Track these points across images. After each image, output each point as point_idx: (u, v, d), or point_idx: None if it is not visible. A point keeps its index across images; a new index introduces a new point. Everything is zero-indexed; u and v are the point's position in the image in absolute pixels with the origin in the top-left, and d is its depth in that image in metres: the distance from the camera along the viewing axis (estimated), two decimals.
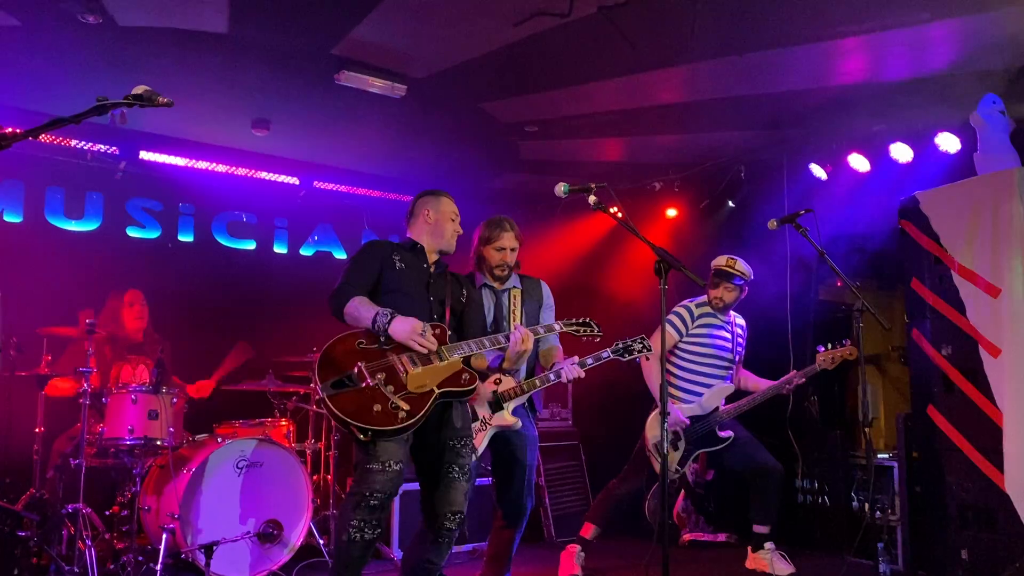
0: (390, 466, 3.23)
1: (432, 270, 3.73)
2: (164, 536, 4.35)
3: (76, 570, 4.35)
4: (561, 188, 3.62)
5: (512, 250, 4.15)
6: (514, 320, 4.15)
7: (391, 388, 3.28)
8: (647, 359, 4.56)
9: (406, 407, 3.25)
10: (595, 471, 6.49)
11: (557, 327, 3.74)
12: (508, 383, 4.04)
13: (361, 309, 3.40)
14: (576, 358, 3.94)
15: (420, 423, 3.30)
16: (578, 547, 4.90)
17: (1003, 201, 4.48)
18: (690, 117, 5.68)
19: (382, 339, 3.36)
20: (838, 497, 5.58)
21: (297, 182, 6.83)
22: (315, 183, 6.90)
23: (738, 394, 5.08)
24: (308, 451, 5.42)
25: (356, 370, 3.27)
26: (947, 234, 4.77)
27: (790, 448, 5.83)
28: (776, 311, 5.99)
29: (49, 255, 5.80)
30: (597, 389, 6.58)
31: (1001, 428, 4.35)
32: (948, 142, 5.21)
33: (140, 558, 4.46)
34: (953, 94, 4.96)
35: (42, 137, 5.55)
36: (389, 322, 3.33)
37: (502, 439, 4.05)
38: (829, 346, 4.83)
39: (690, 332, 4.93)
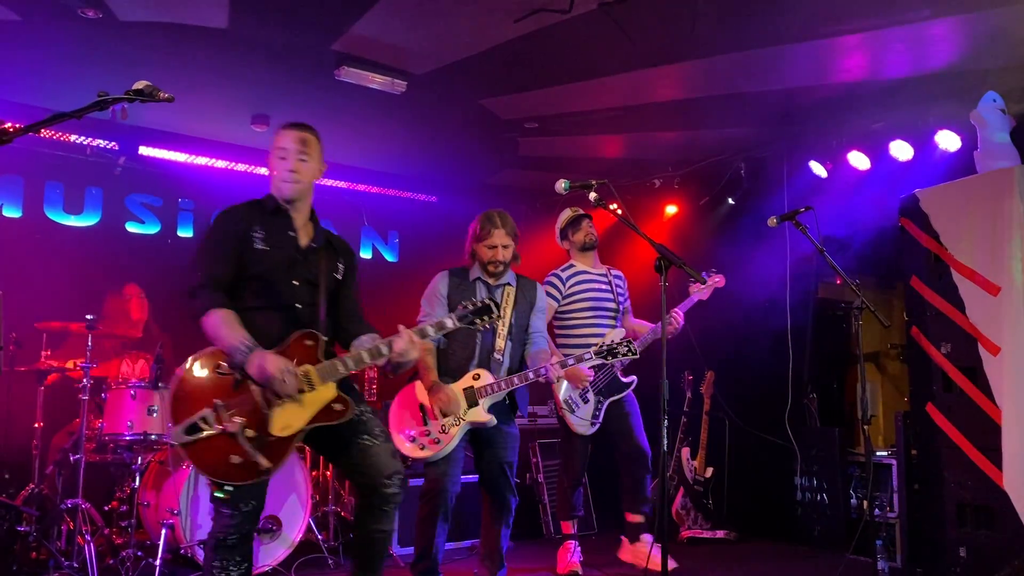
0: (243, 507, 2.88)
1: (303, 242, 3.12)
2: (163, 531, 4.35)
3: (75, 565, 4.35)
4: (562, 185, 3.62)
5: (504, 247, 4.11)
6: (504, 320, 4.11)
7: (250, 433, 2.81)
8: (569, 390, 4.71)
9: (266, 464, 2.81)
10: (593, 468, 6.49)
11: (448, 323, 3.19)
12: (485, 379, 4.01)
13: (220, 331, 2.85)
14: (556, 358, 3.95)
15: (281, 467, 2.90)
16: (572, 542, 4.94)
17: (1003, 199, 4.47)
18: (690, 114, 5.67)
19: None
20: (837, 495, 5.59)
21: None
22: None
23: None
24: (307, 447, 5.41)
25: (210, 411, 2.80)
26: (947, 232, 4.77)
27: (788, 445, 5.85)
28: (775, 308, 5.99)
29: (48, 250, 5.80)
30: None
31: (1000, 426, 4.36)
32: (948, 140, 5.21)
33: (139, 553, 4.46)
34: (953, 92, 4.96)
35: (42, 132, 5.54)
36: (245, 359, 2.80)
37: (483, 437, 4.06)
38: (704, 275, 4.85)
39: (565, 294, 4.94)
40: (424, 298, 4.22)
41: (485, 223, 4.12)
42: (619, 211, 3.81)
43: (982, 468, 4.45)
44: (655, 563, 4.60)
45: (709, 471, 5.96)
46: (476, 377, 4.02)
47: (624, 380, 4.91)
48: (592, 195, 3.58)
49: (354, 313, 3.24)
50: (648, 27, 4.34)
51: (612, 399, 4.86)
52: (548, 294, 4.96)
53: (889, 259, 5.52)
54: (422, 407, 4.03)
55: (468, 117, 5.77)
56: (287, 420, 2.87)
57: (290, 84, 5.19)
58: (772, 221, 4.34)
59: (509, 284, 4.22)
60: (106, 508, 4.82)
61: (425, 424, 3.98)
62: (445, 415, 3.93)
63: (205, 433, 2.78)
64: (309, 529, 4.88)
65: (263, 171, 6.67)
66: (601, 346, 4.04)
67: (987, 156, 4.76)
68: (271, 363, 2.80)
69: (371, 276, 7.24)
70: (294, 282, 3.03)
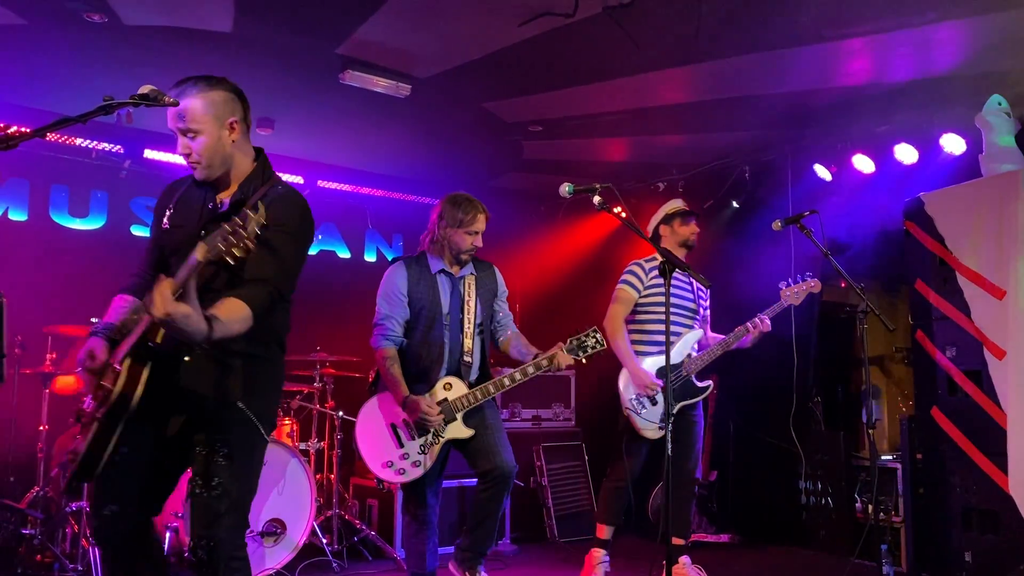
0: (102, 511, 2.53)
1: (217, 207, 2.67)
2: (167, 535, 4.36)
3: (80, 568, 4.36)
4: (565, 188, 3.61)
5: (480, 234, 3.83)
6: (469, 316, 3.82)
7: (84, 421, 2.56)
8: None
9: (70, 457, 2.55)
10: (598, 471, 6.48)
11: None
12: (459, 389, 3.73)
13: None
14: (560, 345, 3.71)
15: (99, 462, 2.45)
16: (602, 551, 4.68)
17: (1008, 202, 4.47)
18: (694, 117, 5.67)
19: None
20: (841, 498, 5.58)
21: (301, 181, 6.83)
22: (319, 182, 6.90)
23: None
24: (311, 450, 5.42)
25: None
26: (952, 236, 4.76)
27: (793, 449, 5.83)
28: (780, 312, 5.98)
29: (54, 253, 5.81)
30: (600, 388, 6.58)
31: (1005, 430, 4.34)
32: (953, 143, 5.20)
33: None
34: (958, 95, 4.95)
35: (47, 136, 5.54)
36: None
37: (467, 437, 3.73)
38: (790, 282, 4.75)
39: (647, 286, 4.68)
40: (381, 296, 3.83)
41: (467, 208, 3.76)
42: (623, 215, 3.81)
43: (987, 472, 4.43)
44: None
45: (713, 475, 5.95)
46: (447, 387, 3.73)
47: (699, 384, 4.66)
48: (596, 199, 3.58)
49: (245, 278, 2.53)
50: (652, 31, 4.34)
51: (684, 403, 4.59)
52: (628, 283, 4.68)
53: (894, 263, 5.51)
54: (394, 427, 3.72)
55: (472, 120, 5.78)
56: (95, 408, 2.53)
57: (294, 88, 5.20)
58: (776, 225, 4.34)
59: (470, 274, 3.91)
60: None
61: (402, 446, 3.69)
62: (423, 433, 3.66)
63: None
64: (313, 533, 4.88)
65: None
66: (570, 341, 3.73)
67: (992, 159, 4.76)
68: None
69: (376, 279, 7.22)
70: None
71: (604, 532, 4.69)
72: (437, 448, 3.67)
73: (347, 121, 5.79)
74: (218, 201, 2.66)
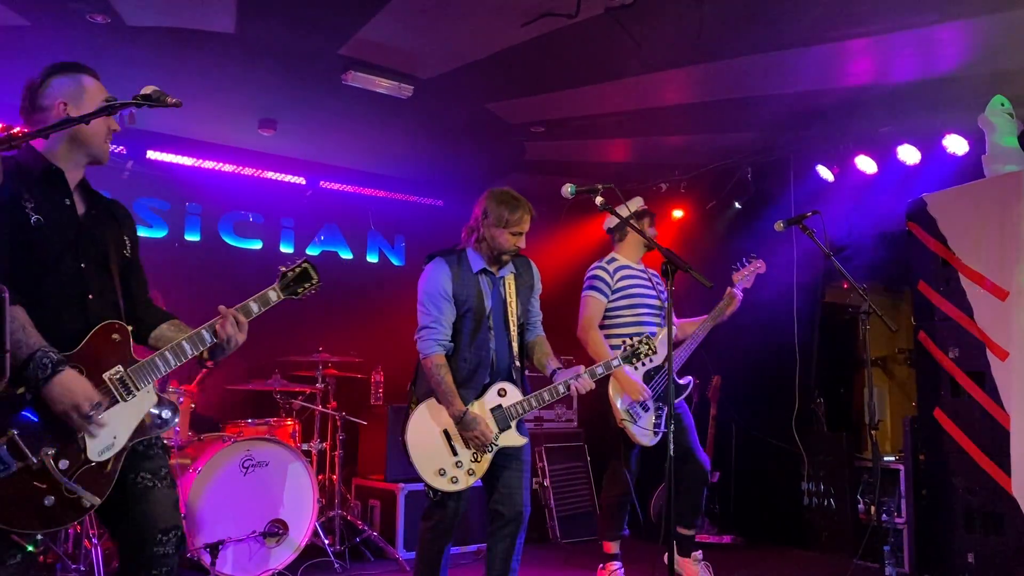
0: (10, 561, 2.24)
1: (81, 210, 2.46)
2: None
3: (82, 568, 4.36)
4: (568, 189, 3.61)
5: (524, 235, 3.61)
6: (511, 312, 3.62)
7: (65, 463, 2.21)
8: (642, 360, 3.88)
9: (94, 500, 2.25)
10: (600, 472, 6.48)
11: (272, 297, 2.67)
12: (513, 395, 3.56)
13: (16, 337, 2.16)
14: (582, 368, 3.59)
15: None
16: (614, 563, 4.65)
17: (1011, 203, 4.46)
18: (697, 118, 5.67)
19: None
20: (844, 500, 5.57)
21: (304, 182, 6.84)
22: (321, 183, 6.91)
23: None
24: (314, 451, 5.42)
25: (6, 443, 2.11)
26: (954, 236, 4.76)
27: (796, 450, 5.83)
28: (782, 313, 5.98)
29: None
30: (602, 389, 6.57)
31: (1008, 431, 4.34)
32: (956, 144, 5.19)
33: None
34: (961, 96, 4.94)
35: (50, 136, 5.55)
36: (46, 381, 2.16)
37: (504, 455, 3.56)
38: (738, 266, 4.82)
39: (615, 289, 4.65)
40: (426, 296, 3.56)
41: (513, 207, 3.52)
42: (626, 215, 3.80)
43: (990, 474, 4.43)
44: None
45: (716, 476, 5.94)
46: (502, 393, 3.55)
47: (681, 382, 4.66)
48: (598, 199, 3.57)
49: (145, 298, 2.65)
50: (655, 31, 4.34)
51: (673, 402, 4.63)
52: (596, 288, 4.64)
53: (896, 263, 5.51)
54: (446, 433, 3.50)
55: (475, 121, 5.78)
56: (107, 439, 2.30)
57: (297, 89, 5.20)
58: (779, 225, 4.34)
59: (508, 273, 3.69)
60: None
61: (455, 454, 3.48)
62: (478, 446, 3.48)
63: (2, 473, 2.11)
64: (315, 533, 4.88)
65: (271, 175, 6.70)
66: (625, 349, 3.62)
67: (995, 160, 4.75)
68: (75, 391, 2.20)
69: (378, 280, 7.25)
70: (81, 264, 2.40)
71: (612, 548, 4.66)
72: (490, 456, 3.50)
73: (349, 122, 5.80)
74: (72, 195, 2.45)
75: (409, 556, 5.21)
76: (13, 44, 4.53)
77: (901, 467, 5.21)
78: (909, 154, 5.43)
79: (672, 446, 3.26)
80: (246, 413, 5.33)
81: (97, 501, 2.25)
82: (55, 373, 2.16)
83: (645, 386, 4.48)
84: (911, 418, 5.10)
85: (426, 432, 3.51)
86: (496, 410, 3.52)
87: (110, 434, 2.30)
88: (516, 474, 3.56)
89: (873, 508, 5.22)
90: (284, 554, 4.66)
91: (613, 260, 4.77)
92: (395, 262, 7.57)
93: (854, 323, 6.07)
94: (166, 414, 2.43)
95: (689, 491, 4.61)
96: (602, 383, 4.47)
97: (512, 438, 3.53)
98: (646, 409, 4.50)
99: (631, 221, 3.80)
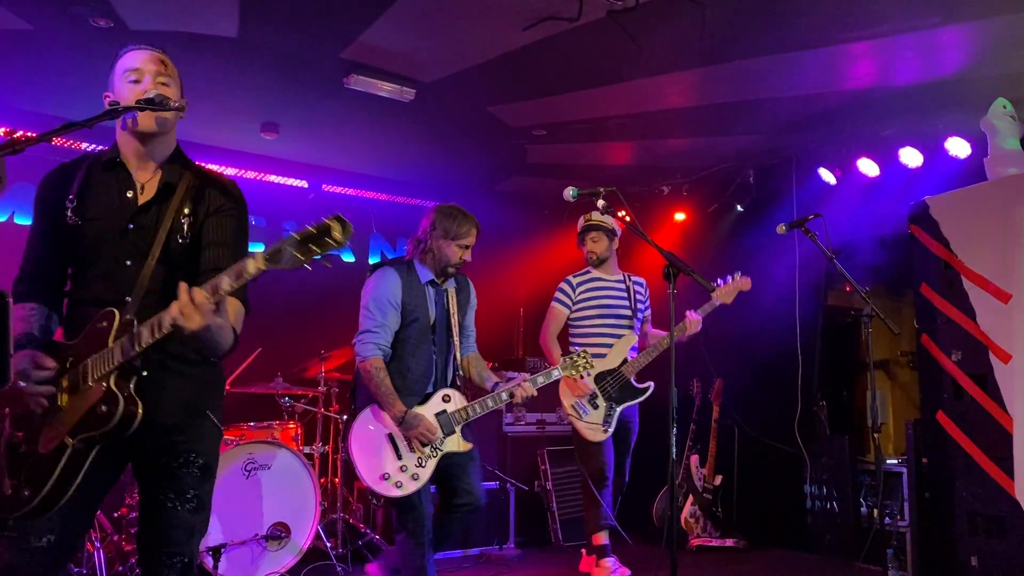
0: (35, 541, 2.17)
1: (139, 199, 2.34)
2: None
3: (84, 572, 4.36)
4: (570, 192, 3.62)
5: (470, 249, 3.78)
6: (455, 323, 3.76)
7: (23, 450, 2.19)
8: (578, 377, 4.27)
9: (26, 492, 2.13)
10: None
11: (250, 268, 2.01)
12: (457, 401, 3.65)
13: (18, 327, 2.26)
14: (526, 375, 3.74)
15: (65, 494, 2.15)
16: (608, 560, 4.73)
17: (1013, 206, 4.46)
18: (699, 121, 5.67)
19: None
20: (847, 503, 5.56)
21: (306, 185, 6.85)
22: (324, 186, 6.92)
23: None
24: (316, 454, 5.42)
25: None
26: (957, 239, 4.76)
27: (798, 453, 5.82)
28: (785, 316, 5.98)
29: None
30: None
31: (1011, 434, 4.33)
32: (958, 147, 5.19)
33: None
34: (963, 98, 4.94)
35: (53, 141, 5.57)
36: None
37: (453, 461, 3.64)
38: (720, 281, 4.91)
39: (576, 300, 4.94)
40: (372, 302, 3.61)
41: (462, 221, 3.69)
42: (628, 218, 3.83)
43: (993, 477, 4.42)
44: None
45: (718, 479, 5.94)
46: (447, 399, 3.65)
47: (638, 386, 4.85)
48: (600, 202, 3.59)
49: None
50: (656, 35, 4.34)
51: (626, 405, 4.81)
52: (558, 300, 4.93)
53: (899, 266, 5.51)
54: (392, 438, 3.57)
55: (477, 124, 5.79)
56: (54, 430, 2.16)
57: (299, 92, 5.21)
58: (781, 228, 4.34)
59: (451, 286, 3.83)
60: (115, 515, 4.83)
61: (400, 458, 3.54)
62: (424, 445, 3.55)
63: None
64: (318, 536, 4.88)
65: (274, 178, 6.71)
66: (564, 362, 3.83)
67: (997, 163, 4.75)
68: (20, 360, 2.14)
69: None
70: (126, 262, 2.30)
71: (600, 538, 4.77)
72: (435, 461, 3.56)
73: (351, 125, 5.80)
74: (138, 186, 2.34)
75: None
76: (17, 48, 4.54)
77: (904, 470, 5.20)
78: (911, 157, 5.43)
79: (674, 448, 3.25)
80: (248, 416, 5.33)
81: (25, 495, 2.11)
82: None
83: (588, 384, 4.69)
84: (914, 421, 5.10)
85: (370, 438, 3.57)
86: (441, 415, 3.61)
87: (56, 425, 2.16)
88: (476, 475, 3.71)
89: (876, 511, 5.22)
90: (286, 557, 4.65)
91: (583, 273, 5.02)
92: None
93: (856, 326, 6.09)
94: (103, 409, 2.11)
95: (612, 493, 4.84)
96: None
97: (457, 443, 3.60)
98: (595, 407, 4.72)
99: (636, 225, 3.79)
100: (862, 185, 5.78)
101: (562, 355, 4.22)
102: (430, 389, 3.68)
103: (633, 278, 5.10)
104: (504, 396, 3.64)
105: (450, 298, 3.77)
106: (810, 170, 5.97)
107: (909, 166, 5.46)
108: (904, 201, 5.21)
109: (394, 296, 3.60)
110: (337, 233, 1.99)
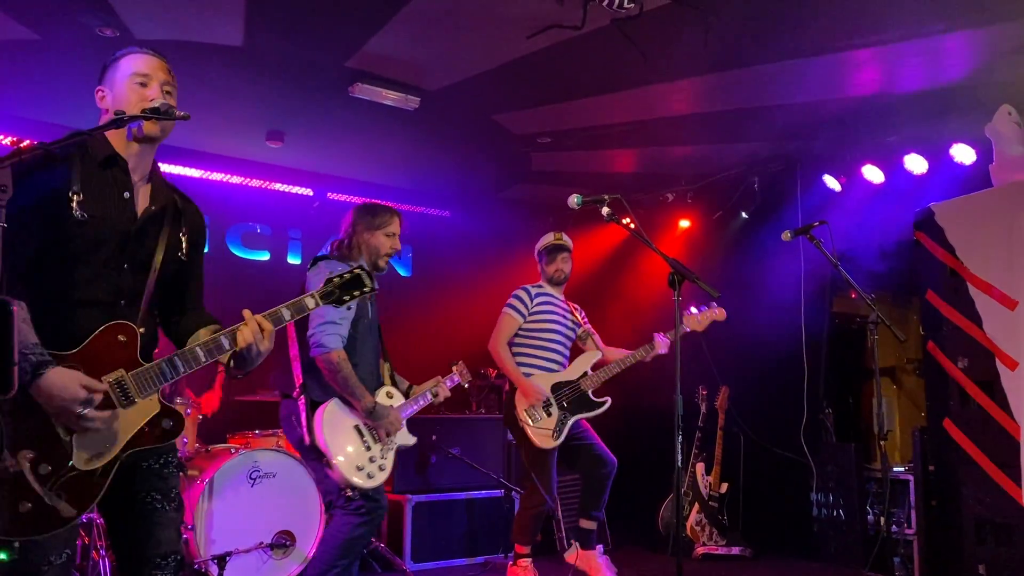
0: (55, 559, 2.15)
1: (142, 206, 2.31)
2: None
3: None
4: (574, 199, 3.62)
5: (398, 236, 3.79)
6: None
7: (46, 469, 2.08)
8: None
9: (71, 512, 2.10)
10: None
11: (310, 303, 2.49)
12: (398, 398, 3.79)
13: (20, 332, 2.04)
14: (439, 377, 4.00)
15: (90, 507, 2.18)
16: (526, 560, 4.80)
17: (1019, 212, 4.45)
18: (703, 129, 5.67)
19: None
20: (853, 511, 5.53)
21: (311, 193, 6.87)
22: (329, 194, 6.93)
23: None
24: None
25: None
26: (963, 246, 4.75)
27: (804, 461, 5.80)
28: (790, 323, 5.97)
29: None
30: (613, 400, 6.56)
31: (1018, 442, 4.31)
32: (963, 153, 5.19)
33: None
34: (968, 105, 4.94)
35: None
36: (31, 380, 1.99)
37: None
38: (694, 310, 4.87)
39: (532, 312, 4.87)
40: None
41: (382, 210, 3.77)
42: (632, 226, 3.81)
43: (1000, 484, 4.40)
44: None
45: (724, 487, 5.92)
46: (390, 395, 3.76)
47: (596, 400, 4.81)
48: (605, 210, 3.58)
49: (195, 305, 2.50)
50: (660, 42, 4.35)
51: (580, 416, 4.76)
52: (513, 308, 4.86)
53: (904, 273, 5.50)
54: (358, 429, 3.59)
55: (481, 132, 5.80)
56: (97, 446, 2.13)
57: (304, 101, 5.23)
58: (786, 235, 4.33)
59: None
60: None
61: (369, 449, 3.58)
62: (389, 434, 3.64)
63: None
64: None
65: (279, 186, 6.72)
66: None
67: (1002, 169, 4.74)
68: (65, 385, 2.03)
69: (385, 291, 7.22)
70: (124, 265, 2.26)
71: (524, 549, 4.81)
72: (393, 453, 3.67)
73: (356, 133, 5.82)
74: (135, 188, 2.30)
75: (417, 567, 5.20)
76: (24, 58, 4.56)
77: (911, 477, 5.18)
78: (916, 163, 5.43)
79: (679, 456, 3.24)
80: (253, 424, 5.33)
81: (73, 513, 2.09)
82: (35, 377, 1.99)
83: (541, 390, 4.67)
84: (920, 428, 5.08)
85: (340, 430, 3.55)
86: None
87: (101, 442, 2.12)
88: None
89: (883, 519, 5.19)
90: (291, 566, 4.65)
91: (539, 287, 4.98)
92: (402, 273, 7.58)
93: (862, 333, 6.08)
94: (167, 424, 2.22)
95: (595, 483, 4.82)
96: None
97: (405, 437, 3.74)
98: (548, 414, 4.69)
99: (641, 232, 3.79)
100: (867, 192, 5.77)
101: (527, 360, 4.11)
102: (375, 384, 3.74)
103: (573, 305, 5.08)
104: (429, 396, 3.88)
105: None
106: (815, 177, 5.96)
107: (914, 173, 5.45)
108: (909, 208, 5.20)
109: None
110: (368, 283, 2.55)
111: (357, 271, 2.55)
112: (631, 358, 4.83)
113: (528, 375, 4.74)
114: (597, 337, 5.08)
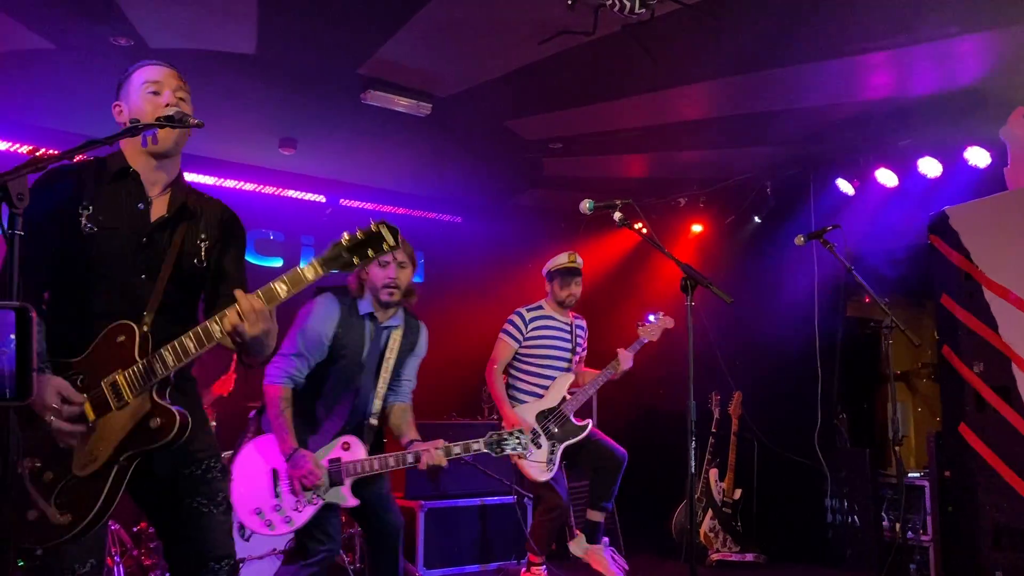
0: (80, 568, 2.17)
1: (157, 215, 2.33)
2: None
3: None
4: (586, 205, 3.62)
5: (401, 265, 3.48)
6: (386, 368, 3.50)
7: (49, 477, 2.09)
8: (520, 456, 4.24)
9: (64, 519, 2.07)
10: (622, 489, 6.44)
11: (308, 275, 2.26)
12: (356, 452, 3.36)
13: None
14: (441, 442, 3.38)
15: (107, 514, 2.14)
16: (540, 568, 4.79)
17: None
18: (715, 133, 5.66)
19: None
20: (868, 517, 5.50)
21: (324, 200, 6.89)
22: (341, 201, 6.95)
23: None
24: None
25: None
26: (977, 249, 4.71)
27: (819, 467, 5.77)
28: (804, 328, 5.94)
29: None
30: (623, 406, 6.55)
31: None
32: (978, 156, 5.16)
33: (167, 575, 4.48)
34: (982, 108, 4.91)
35: (75, 158, 5.62)
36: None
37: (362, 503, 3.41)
38: (652, 319, 4.91)
39: (526, 337, 4.84)
40: (302, 330, 3.38)
41: None
42: (644, 231, 3.80)
43: (1017, 490, 4.36)
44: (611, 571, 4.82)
45: (738, 493, 5.89)
46: (346, 447, 3.37)
47: (578, 424, 4.78)
48: (617, 215, 3.58)
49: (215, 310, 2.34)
50: (671, 47, 4.34)
51: (568, 443, 4.73)
52: (508, 333, 4.83)
53: (919, 277, 5.46)
54: (275, 473, 3.32)
55: (493, 138, 5.80)
56: (92, 452, 2.10)
57: (316, 108, 5.25)
58: (799, 240, 4.31)
59: (396, 327, 3.54)
60: (135, 529, 4.85)
61: (276, 496, 3.30)
62: (305, 489, 3.28)
63: None
64: None
65: (292, 193, 6.75)
66: (490, 437, 3.42)
67: (1018, 172, 4.71)
68: (46, 386, 2.03)
69: None
70: (141, 276, 2.27)
71: (539, 558, 4.80)
72: (313, 510, 3.30)
73: (368, 140, 5.84)
74: (149, 200, 2.32)
75: (430, 574, 5.19)
76: (39, 67, 4.60)
77: (926, 483, 5.14)
78: (930, 167, 5.40)
79: (693, 464, 3.23)
80: None
81: (63, 521, 2.06)
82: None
83: (527, 424, 4.64)
84: (936, 433, 5.04)
85: (253, 467, 3.36)
86: (334, 463, 3.34)
87: (93, 447, 2.11)
88: (393, 513, 3.55)
89: (898, 525, 5.16)
90: None
91: (536, 309, 4.93)
92: (414, 279, 7.60)
93: (876, 337, 6.04)
94: (153, 423, 2.13)
95: (604, 476, 4.81)
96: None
97: (339, 496, 3.32)
98: (538, 446, 4.66)
99: (653, 238, 3.78)
100: (881, 196, 5.74)
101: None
102: (338, 431, 3.42)
103: (577, 320, 5.03)
104: (410, 459, 3.34)
105: (391, 339, 3.53)
106: (828, 181, 5.94)
107: (928, 176, 5.42)
108: (923, 211, 5.17)
109: (327, 330, 3.38)
110: (390, 238, 2.23)
111: (373, 229, 2.24)
112: (601, 377, 4.84)
113: (523, 402, 4.77)
114: (583, 360, 5.10)
